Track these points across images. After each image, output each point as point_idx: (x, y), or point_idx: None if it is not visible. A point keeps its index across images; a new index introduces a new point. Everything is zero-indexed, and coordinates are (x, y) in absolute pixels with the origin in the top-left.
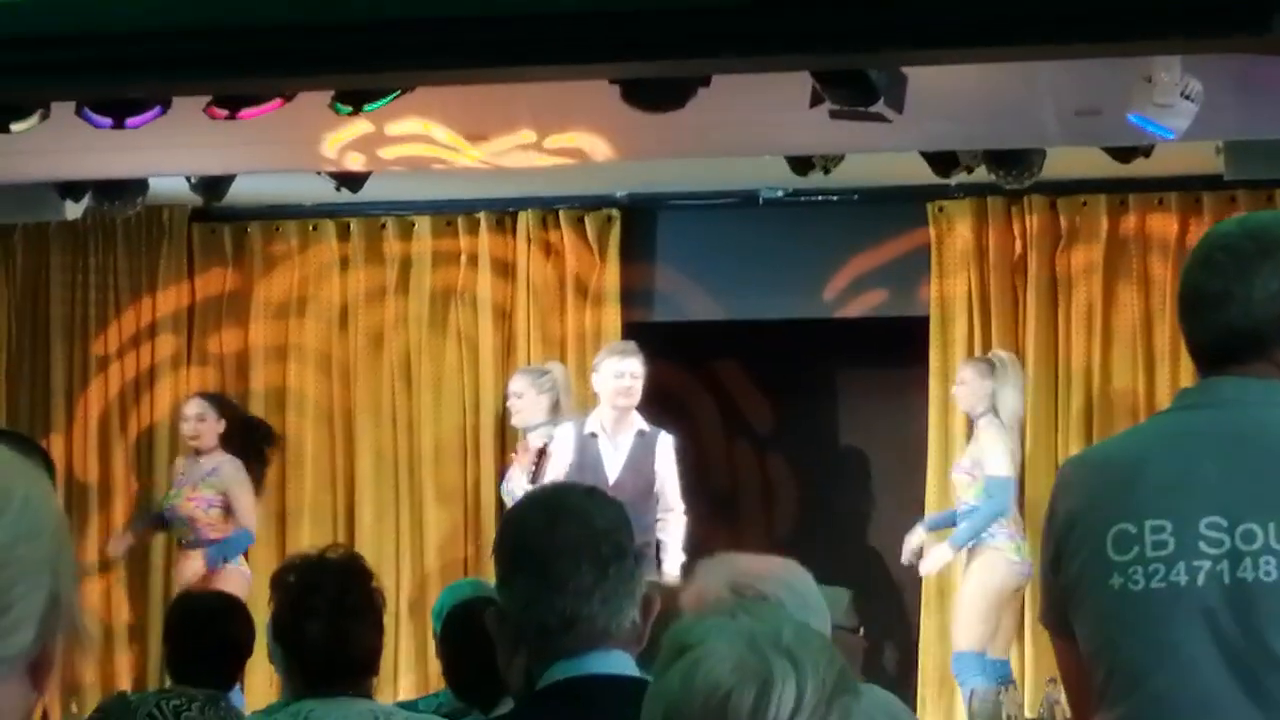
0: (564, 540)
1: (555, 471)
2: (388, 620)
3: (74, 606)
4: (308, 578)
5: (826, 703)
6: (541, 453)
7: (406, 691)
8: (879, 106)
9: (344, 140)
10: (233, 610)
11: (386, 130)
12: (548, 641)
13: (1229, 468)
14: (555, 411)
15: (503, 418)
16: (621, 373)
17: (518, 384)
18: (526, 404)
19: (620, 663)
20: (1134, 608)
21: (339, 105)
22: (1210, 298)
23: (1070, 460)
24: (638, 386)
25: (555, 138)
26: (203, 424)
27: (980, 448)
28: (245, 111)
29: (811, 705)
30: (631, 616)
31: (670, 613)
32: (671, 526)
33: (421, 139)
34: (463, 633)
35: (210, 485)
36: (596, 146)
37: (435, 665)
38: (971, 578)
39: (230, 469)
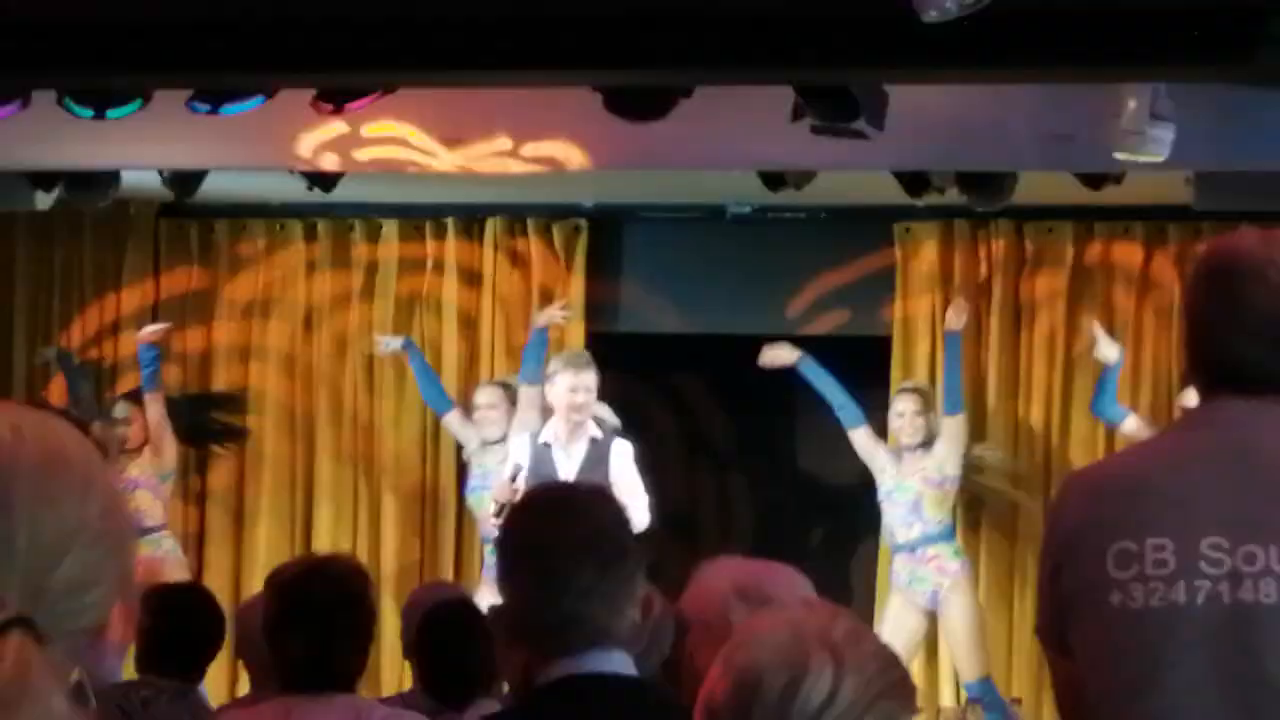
0: (566, 539)
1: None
2: None
3: (132, 577)
4: (300, 590)
5: (867, 703)
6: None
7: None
8: (860, 123)
9: (320, 140)
10: (205, 602)
11: (363, 132)
12: (547, 639)
13: (1232, 488)
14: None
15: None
16: (575, 387)
17: (488, 396)
18: (500, 415)
19: (619, 662)
20: (1132, 626)
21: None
22: None
23: (1071, 476)
24: (591, 400)
25: (532, 145)
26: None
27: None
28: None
29: (846, 704)
30: (631, 617)
31: (666, 614)
32: None
33: (397, 141)
34: (440, 633)
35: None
36: (573, 155)
37: (387, 662)
38: (968, 603)
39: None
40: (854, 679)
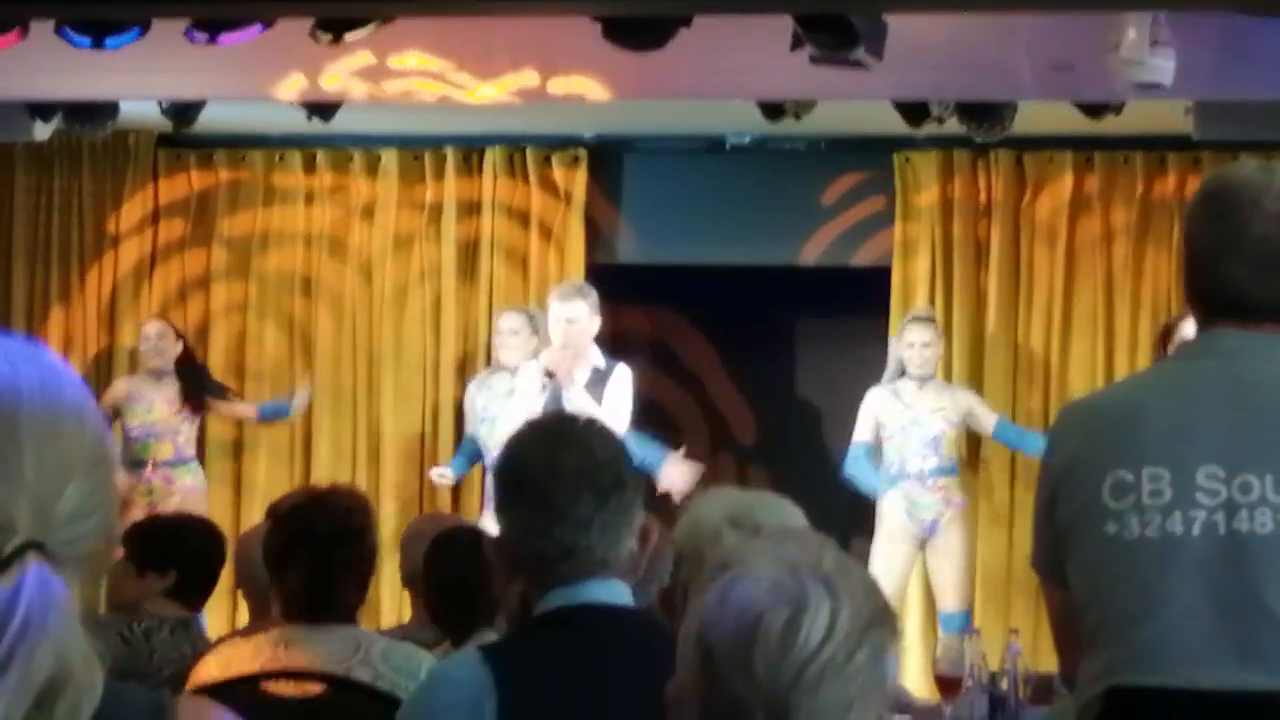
0: (565, 469)
1: (522, 410)
2: None
3: (117, 505)
4: (300, 524)
5: (860, 633)
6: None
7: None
8: (859, 53)
9: (346, 70)
10: (217, 535)
11: (389, 63)
12: (545, 569)
13: (1229, 418)
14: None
15: (463, 357)
16: (559, 318)
17: (510, 322)
18: (520, 342)
19: (617, 592)
20: (1128, 555)
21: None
22: None
23: (1069, 406)
24: (575, 330)
25: (543, 78)
26: (164, 342)
27: (967, 397)
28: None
29: (843, 634)
30: (629, 547)
31: (664, 544)
32: None
33: (425, 74)
34: (449, 561)
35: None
36: (574, 87)
37: (386, 593)
38: (966, 537)
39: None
40: (848, 610)
